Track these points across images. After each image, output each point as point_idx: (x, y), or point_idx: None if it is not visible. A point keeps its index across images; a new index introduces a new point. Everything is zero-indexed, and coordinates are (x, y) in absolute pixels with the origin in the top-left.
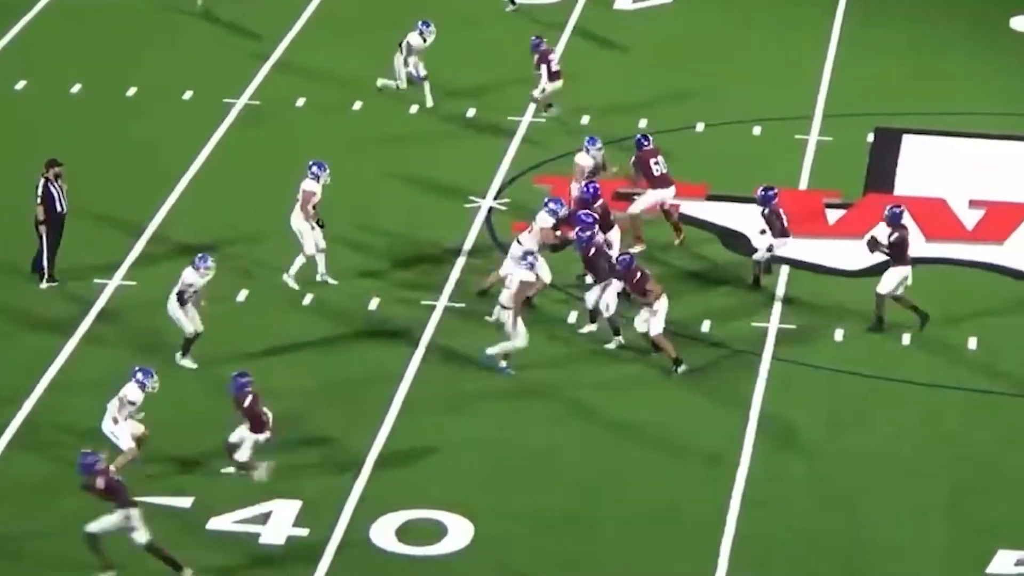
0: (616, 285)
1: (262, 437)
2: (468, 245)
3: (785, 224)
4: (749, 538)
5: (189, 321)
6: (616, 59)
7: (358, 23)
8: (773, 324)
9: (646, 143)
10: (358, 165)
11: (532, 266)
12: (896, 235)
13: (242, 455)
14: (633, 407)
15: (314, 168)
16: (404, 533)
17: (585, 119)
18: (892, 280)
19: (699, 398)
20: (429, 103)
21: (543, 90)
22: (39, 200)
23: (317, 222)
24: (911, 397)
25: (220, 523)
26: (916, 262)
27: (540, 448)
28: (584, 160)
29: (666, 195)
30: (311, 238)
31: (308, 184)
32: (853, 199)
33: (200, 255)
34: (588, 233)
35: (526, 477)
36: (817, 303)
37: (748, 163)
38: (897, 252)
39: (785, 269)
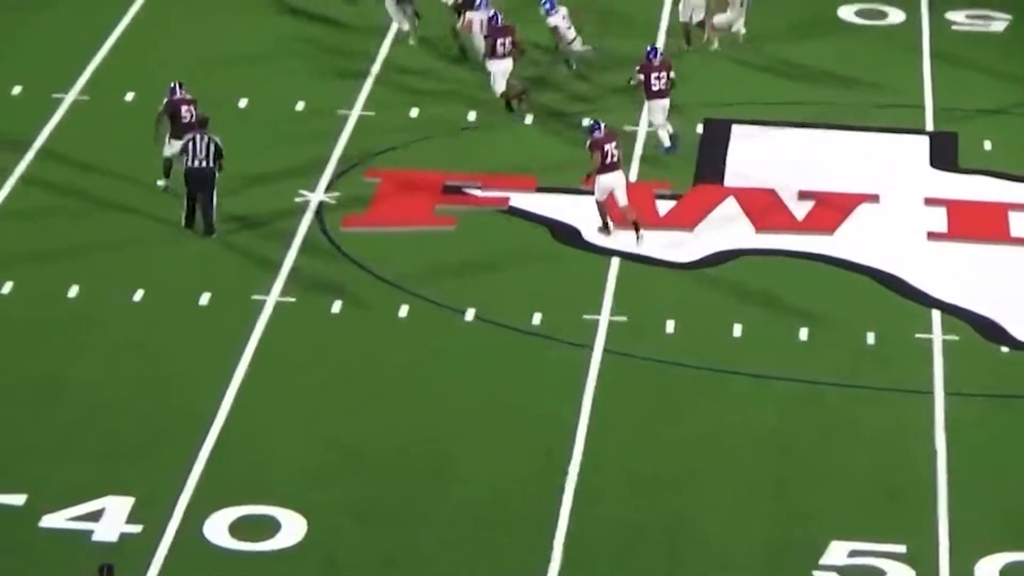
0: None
1: None
2: (298, 239)
3: None
4: (576, 531)
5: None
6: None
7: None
8: (604, 317)
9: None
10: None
11: None
12: None
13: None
14: (461, 397)
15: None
16: (237, 529)
17: (415, 111)
18: None
19: (530, 389)
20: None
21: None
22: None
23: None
24: (740, 388)
25: (53, 520)
26: (745, 253)
27: (369, 440)
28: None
29: None
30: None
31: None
32: (683, 190)
33: None
34: None
35: (357, 470)
36: (648, 295)
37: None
38: None
39: (616, 261)
